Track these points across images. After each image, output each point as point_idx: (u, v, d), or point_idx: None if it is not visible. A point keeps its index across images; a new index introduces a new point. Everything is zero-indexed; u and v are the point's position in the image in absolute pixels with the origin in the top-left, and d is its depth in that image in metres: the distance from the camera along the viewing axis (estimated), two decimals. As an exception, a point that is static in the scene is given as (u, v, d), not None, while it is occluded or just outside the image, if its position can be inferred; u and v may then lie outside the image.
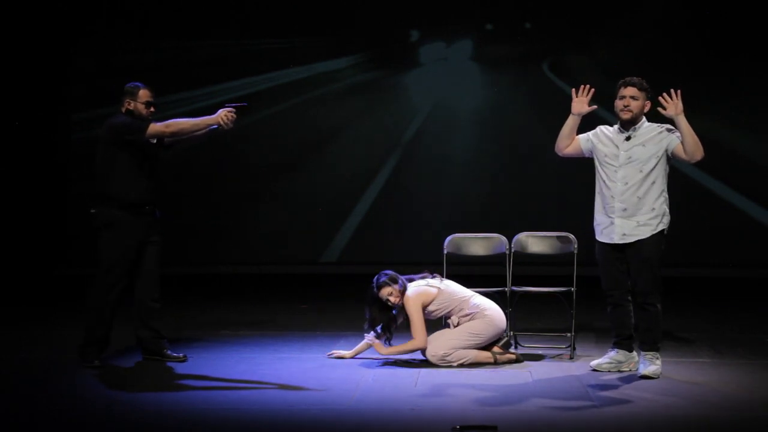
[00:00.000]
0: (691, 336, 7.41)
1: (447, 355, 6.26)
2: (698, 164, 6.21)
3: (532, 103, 11.53)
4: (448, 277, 6.66)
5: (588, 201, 6.27)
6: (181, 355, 6.47)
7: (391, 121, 11.87)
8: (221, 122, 6.12)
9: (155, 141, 6.33)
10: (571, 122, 6.17)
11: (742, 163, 11.33)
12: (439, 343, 6.31)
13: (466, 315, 6.39)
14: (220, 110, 6.14)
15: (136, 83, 6.39)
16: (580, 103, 6.14)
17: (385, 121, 11.86)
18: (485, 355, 6.34)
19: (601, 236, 6.12)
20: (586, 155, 6.23)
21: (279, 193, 11.86)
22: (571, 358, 6.53)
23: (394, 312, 6.43)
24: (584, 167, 6.42)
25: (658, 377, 5.92)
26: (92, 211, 6.31)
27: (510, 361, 6.38)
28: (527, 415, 5.09)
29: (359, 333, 6.63)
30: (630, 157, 5.99)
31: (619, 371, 6.09)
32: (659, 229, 5.98)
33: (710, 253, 11.39)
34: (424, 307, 6.37)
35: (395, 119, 11.88)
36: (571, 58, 11.61)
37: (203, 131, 6.27)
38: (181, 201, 11.22)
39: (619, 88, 6.06)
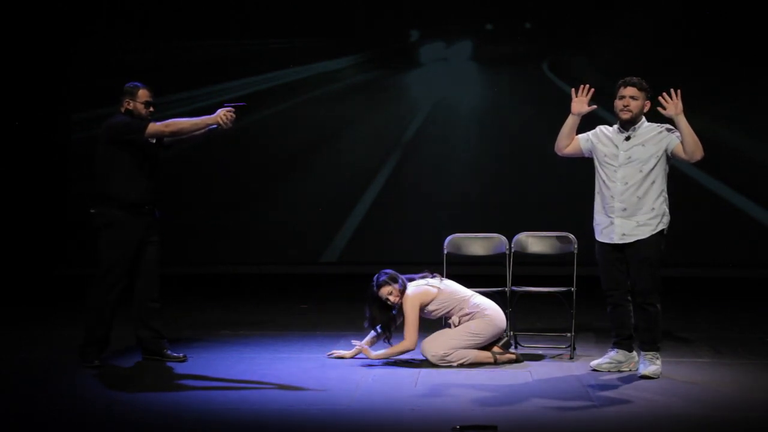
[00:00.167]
0: (691, 336, 7.40)
1: (447, 355, 6.26)
2: (698, 164, 6.21)
3: (532, 103, 11.52)
4: (448, 277, 6.65)
5: (588, 201, 6.26)
6: (181, 355, 6.47)
7: (391, 121, 11.86)
8: (220, 122, 6.13)
9: (155, 141, 6.33)
10: (571, 122, 6.17)
11: (742, 163, 11.32)
12: (439, 343, 6.31)
13: (466, 315, 6.38)
14: (219, 110, 6.15)
15: (136, 83, 6.39)
16: (580, 103, 6.14)
17: (385, 121, 11.85)
18: (485, 355, 6.33)
19: (601, 236, 6.11)
20: (586, 155, 6.22)
21: (279, 193, 11.85)
22: (571, 358, 6.53)
23: (393, 312, 6.43)
24: (584, 167, 6.41)
25: (658, 377, 5.92)
26: (92, 211, 6.30)
27: (510, 361, 6.37)
28: (527, 415, 5.09)
29: (359, 333, 6.63)
30: (630, 157, 5.99)
31: (619, 371, 6.09)
32: (659, 229, 5.98)
33: (710, 253, 11.38)
34: (424, 307, 6.37)
35: (395, 119, 11.87)
36: (571, 58, 11.61)
37: (203, 131, 6.28)
38: (181, 201, 11.21)
39: (619, 88, 6.05)
